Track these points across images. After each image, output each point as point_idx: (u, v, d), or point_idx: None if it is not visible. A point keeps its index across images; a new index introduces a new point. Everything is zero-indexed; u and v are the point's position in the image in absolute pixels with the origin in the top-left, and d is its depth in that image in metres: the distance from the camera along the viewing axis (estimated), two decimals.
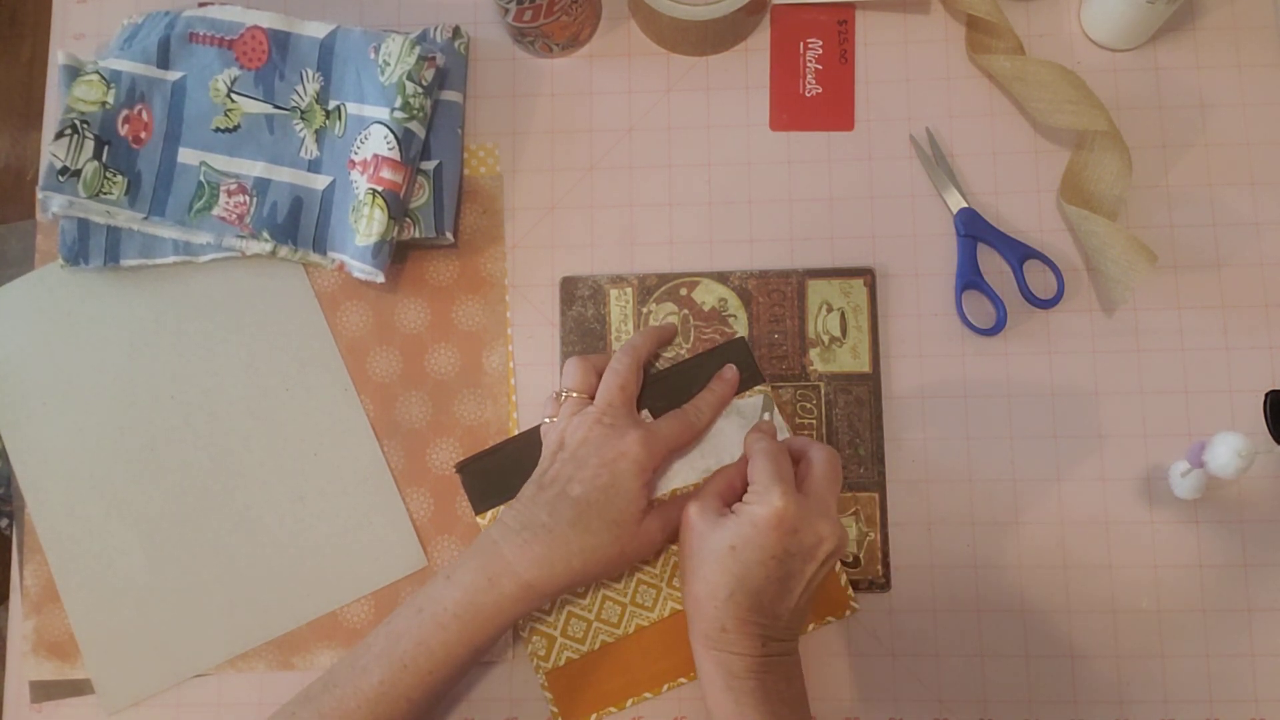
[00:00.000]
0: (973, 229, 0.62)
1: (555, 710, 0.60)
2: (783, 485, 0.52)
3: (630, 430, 0.54)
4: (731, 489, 0.56)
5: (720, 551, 0.52)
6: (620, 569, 0.58)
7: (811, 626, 0.59)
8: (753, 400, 0.61)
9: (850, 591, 0.59)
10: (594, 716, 0.60)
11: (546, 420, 0.59)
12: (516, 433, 0.63)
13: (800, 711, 0.53)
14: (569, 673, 0.60)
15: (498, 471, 0.61)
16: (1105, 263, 0.60)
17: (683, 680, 0.59)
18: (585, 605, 0.60)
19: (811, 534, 0.51)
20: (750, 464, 0.55)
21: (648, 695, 0.59)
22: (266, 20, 0.65)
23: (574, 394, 0.58)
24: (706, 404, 0.59)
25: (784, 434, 0.60)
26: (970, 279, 0.62)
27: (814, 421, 0.61)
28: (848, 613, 0.59)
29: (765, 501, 0.52)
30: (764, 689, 0.51)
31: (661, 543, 0.56)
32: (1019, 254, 0.61)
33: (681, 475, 0.60)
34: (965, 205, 0.62)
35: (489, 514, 0.61)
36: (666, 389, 0.61)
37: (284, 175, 0.64)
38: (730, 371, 0.60)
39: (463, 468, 0.62)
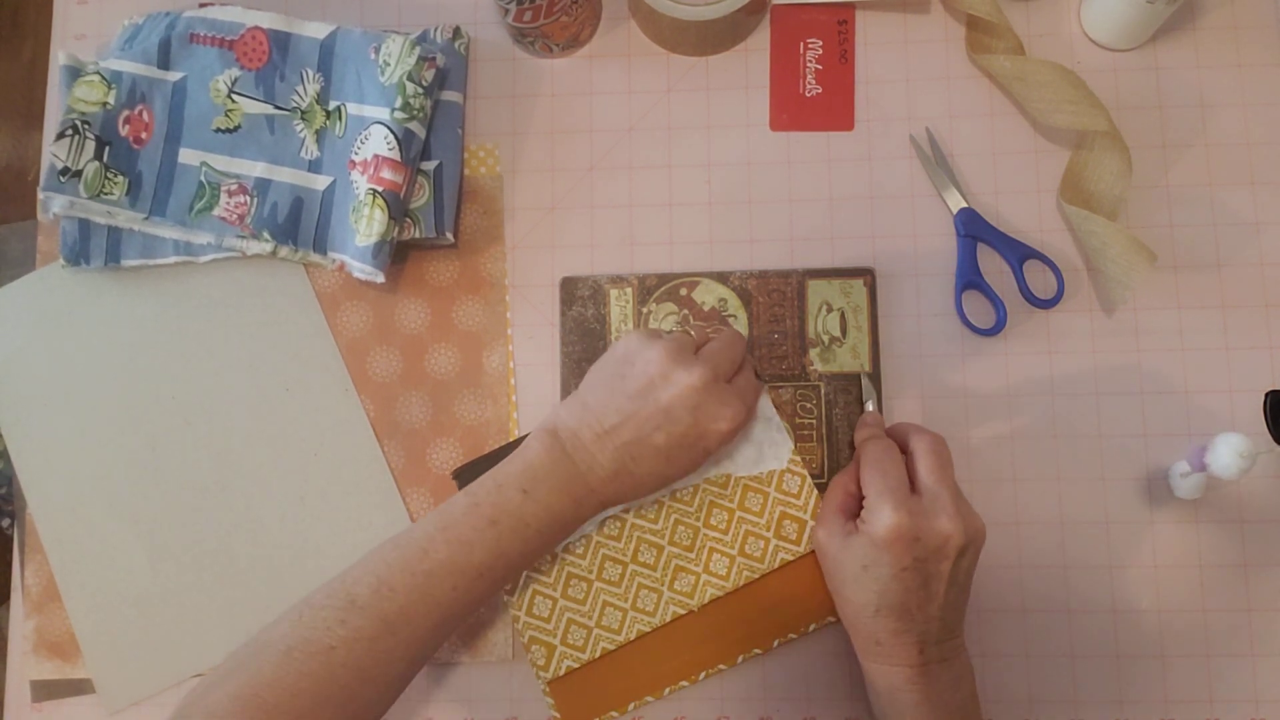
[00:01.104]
0: (973, 229, 0.62)
1: (557, 716, 0.60)
2: (893, 497, 0.52)
3: (732, 407, 0.53)
4: (850, 498, 0.56)
5: (855, 572, 0.53)
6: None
7: (813, 626, 0.59)
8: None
9: None
10: None
11: (645, 331, 0.56)
12: (515, 436, 0.63)
13: (970, 712, 0.53)
14: (570, 680, 0.60)
15: None
16: (1105, 263, 0.60)
17: (684, 683, 0.59)
18: (585, 612, 0.60)
19: (935, 536, 0.51)
20: (861, 474, 0.55)
21: (649, 698, 0.59)
22: (267, 21, 0.65)
23: (689, 330, 0.58)
24: (727, 340, 0.57)
25: (784, 433, 0.60)
26: (970, 279, 0.62)
27: (814, 421, 0.61)
28: None
29: (879, 519, 0.52)
30: (929, 700, 0.52)
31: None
32: (1019, 254, 0.61)
33: (697, 475, 0.60)
34: (965, 205, 0.62)
35: None
36: None
37: (284, 175, 0.64)
38: (730, 331, 0.59)
39: (460, 474, 0.62)
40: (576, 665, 0.60)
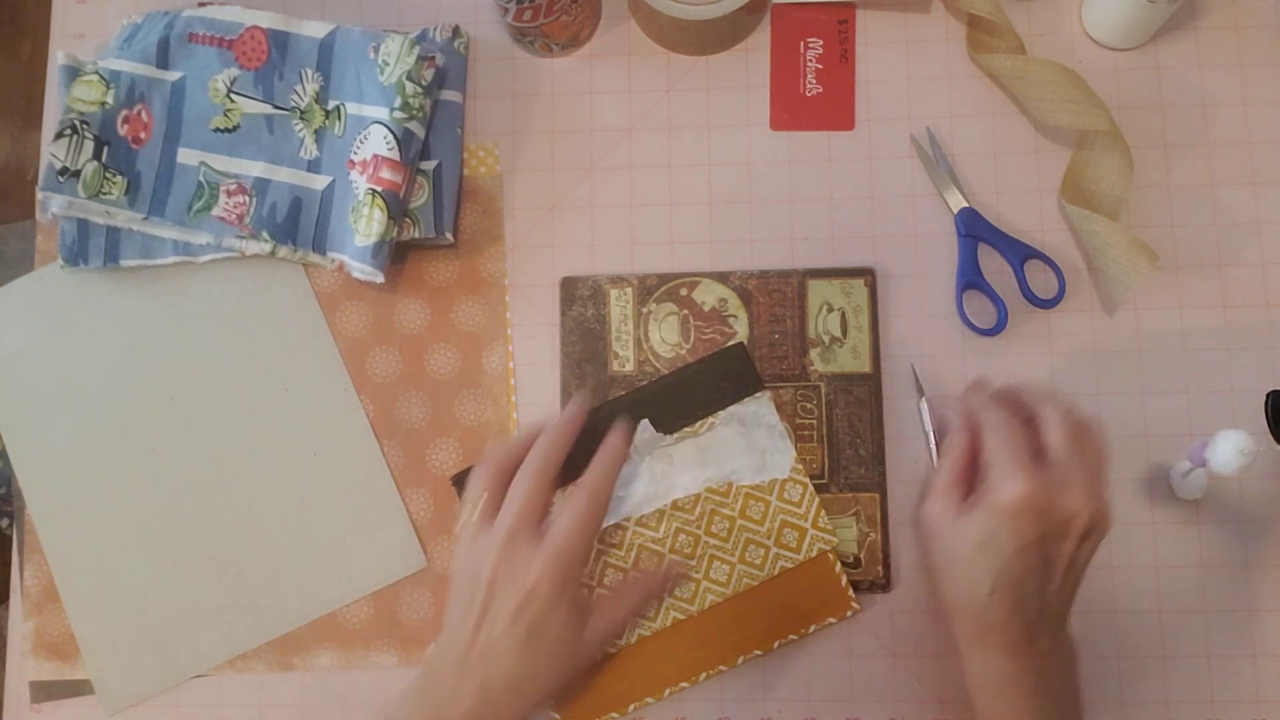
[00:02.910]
0: (973, 229, 0.62)
1: (557, 717, 0.59)
2: (1024, 464, 0.48)
3: (536, 557, 0.51)
4: (963, 472, 0.52)
5: (968, 550, 0.49)
6: (573, 678, 0.55)
7: (813, 627, 0.59)
8: (753, 406, 0.61)
9: (850, 592, 0.59)
10: None
11: (457, 532, 0.54)
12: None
13: (1074, 710, 0.51)
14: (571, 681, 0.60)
15: None
16: (1107, 263, 0.60)
17: (684, 684, 0.59)
18: None
19: (1062, 510, 0.48)
20: (985, 441, 0.51)
21: (649, 700, 0.59)
22: (266, 20, 0.64)
23: (479, 504, 0.54)
24: (597, 475, 0.55)
25: (786, 441, 0.60)
26: (971, 279, 0.61)
27: (814, 422, 0.61)
28: (848, 613, 0.59)
29: (1008, 486, 0.48)
30: (1040, 691, 0.49)
31: (614, 637, 0.56)
32: (1020, 254, 0.61)
33: (683, 485, 0.60)
34: (966, 205, 0.62)
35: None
36: (666, 397, 0.61)
37: (283, 175, 0.64)
38: (615, 438, 0.57)
39: (458, 481, 0.62)
40: None
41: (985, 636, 0.49)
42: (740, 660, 0.59)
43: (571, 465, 0.58)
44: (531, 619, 0.51)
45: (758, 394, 0.61)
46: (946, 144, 0.64)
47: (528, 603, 0.50)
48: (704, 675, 0.59)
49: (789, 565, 0.59)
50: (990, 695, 0.50)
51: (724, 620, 0.59)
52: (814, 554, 0.59)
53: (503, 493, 0.54)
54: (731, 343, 0.62)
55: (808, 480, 0.60)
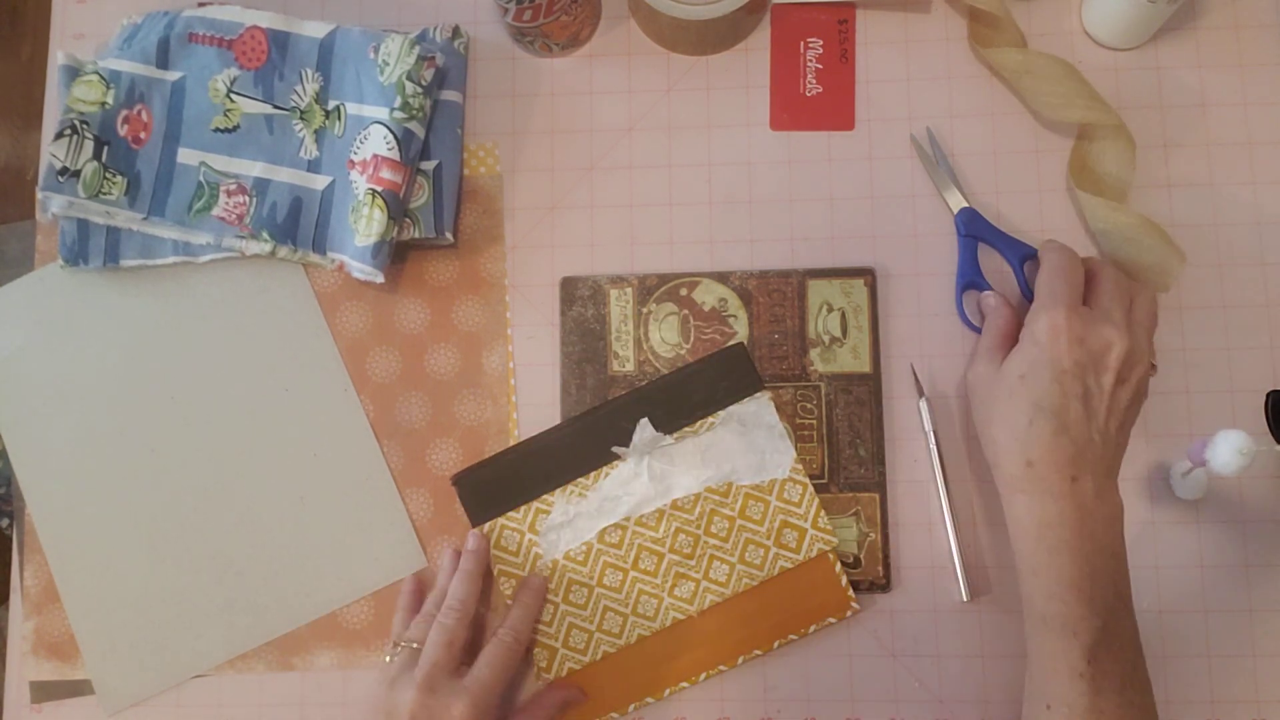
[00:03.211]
0: (974, 229, 0.62)
1: (548, 676, 0.60)
2: (1066, 296, 0.51)
3: (455, 702, 0.52)
4: (1005, 338, 0.55)
5: (1010, 385, 0.51)
6: None
7: (813, 627, 0.59)
8: (753, 406, 0.61)
9: (850, 592, 0.59)
10: None
11: (378, 674, 0.56)
12: (515, 437, 0.63)
13: (1118, 564, 0.50)
14: (571, 681, 0.60)
15: (495, 482, 0.61)
16: (1140, 252, 0.59)
17: (684, 684, 0.59)
18: (586, 617, 0.60)
19: (1098, 339, 0.50)
20: (1039, 276, 0.53)
21: (649, 699, 0.59)
22: (266, 20, 0.64)
23: (410, 645, 0.56)
24: (519, 621, 0.57)
25: (786, 441, 0.60)
26: (971, 279, 0.61)
27: (814, 422, 0.61)
28: (848, 613, 0.59)
29: (1044, 315, 0.50)
30: (1081, 534, 0.49)
31: None
32: (1020, 254, 0.61)
33: (682, 485, 0.60)
34: (966, 205, 0.62)
35: (486, 525, 0.61)
36: (666, 396, 0.61)
37: (283, 175, 0.64)
38: (536, 580, 0.59)
39: (458, 480, 0.62)
40: (578, 667, 0.60)
41: (1025, 472, 0.50)
42: (740, 660, 0.59)
43: (570, 465, 0.59)
44: None
45: (757, 394, 0.61)
46: (946, 144, 0.64)
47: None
48: (704, 675, 0.59)
49: (789, 565, 0.59)
50: (1031, 539, 0.50)
51: (724, 620, 0.59)
52: (814, 554, 0.59)
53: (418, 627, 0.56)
54: (731, 343, 0.62)
55: (807, 480, 0.60)
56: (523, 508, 0.61)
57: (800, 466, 0.60)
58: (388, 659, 0.57)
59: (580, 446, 0.60)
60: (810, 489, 0.60)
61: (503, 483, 0.61)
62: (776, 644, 0.59)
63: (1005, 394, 0.51)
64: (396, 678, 0.54)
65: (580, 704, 0.59)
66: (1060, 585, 0.49)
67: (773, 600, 0.59)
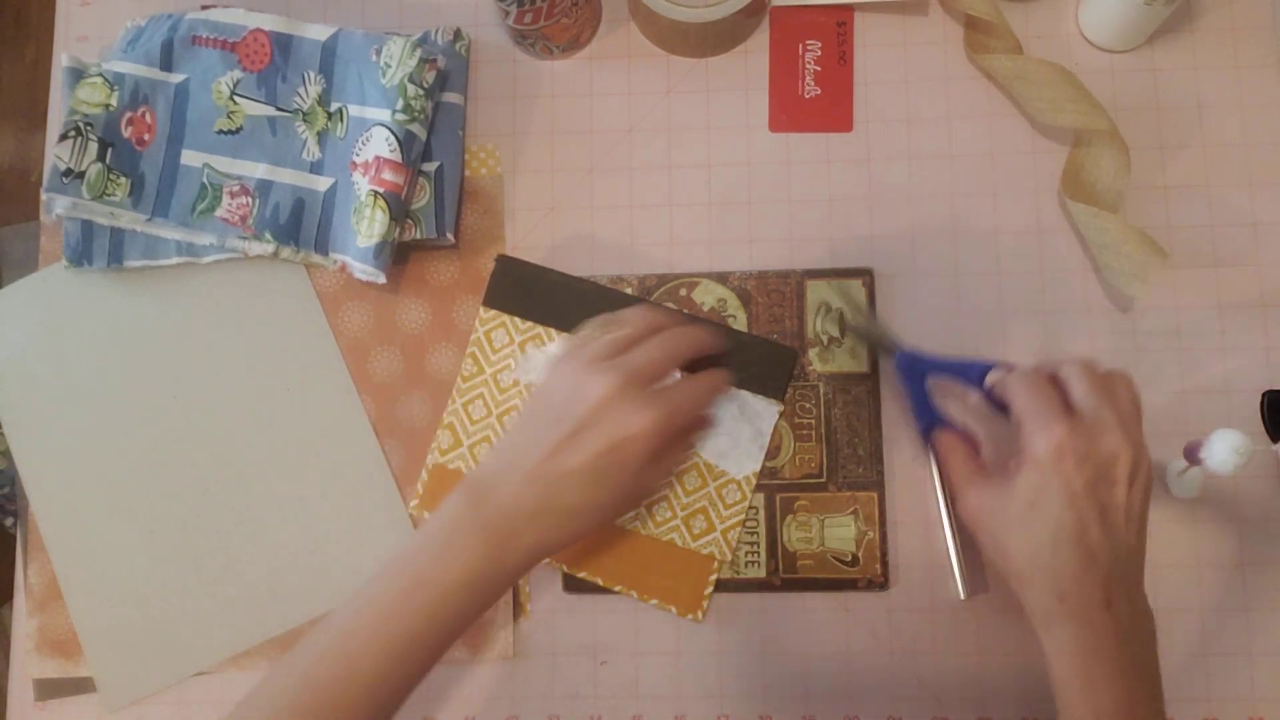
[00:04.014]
0: (916, 368, 0.58)
1: (419, 493, 0.62)
2: (1054, 411, 0.48)
3: (648, 410, 0.49)
4: (973, 460, 0.53)
5: (1021, 514, 0.48)
6: (622, 515, 0.57)
7: (654, 602, 0.60)
8: (761, 406, 0.61)
9: (706, 604, 0.60)
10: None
11: (570, 350, 0.53)
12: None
13: (1156, 684, 0.48)
14: (446, 475, 0.61)
15: (527, 285, 0.63)
16: (1118, 259, 0.60)
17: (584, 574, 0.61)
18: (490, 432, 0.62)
19: (1103, 452, 0.47)
20: (1012, 403, 0.50)
21: (563, 567, 0.61)
22: (269, 23, 0.65)
23: (616, 337, 0.52)
24: (722, 379, 0.55)
25: (763, 451, 0.61)
26: (930, 420, 0.58)
27: (813, 421, 0.62)
28: (690, 616, 0.60)
29: (1042, 437, 0.47)
30: (1121, 659, 0.47)
31: (662, 485, 0.55)
32: (978, 373, 0.56)
33: None
34: (902, 350, 0.59)
35: (492, 311, 0.63)
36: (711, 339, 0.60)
37: (286, 177, 0.64)
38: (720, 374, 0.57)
39: (503, 260, 0.63)
40: (465, 468, 0.61)
41: (1059, 607, 0.47)
42: (581, 574, 0.61)
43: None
44: (611, 464, 0.49)
45: (773, 401, 0.61)
46: (945, 145, 0.64)
47: (617, 449, 0.49)
48: (550, 563, 0.61)
49: (678, 542, 0.60)
50: (1069, 670, 0.47)
51: (604, 540, 0.61)
52: (704, 553, 0.60)
53: (639, 340, 0.53)
54: (791, 345, 0.62)
55: (750, 495, 0.61)
56: (530, 323, 0.62)
57: (754, 480, 0.61)
58: (577, 339, 0.53)
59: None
60: (747, 505, 0.61)
61: (532, 293, 0.63)
62: (617, 588, 0.61)
63: (1018, 525, 0.48)
64: (595, 362, 0.51)
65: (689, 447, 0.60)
66: (1103, 714, 0.47)
67: (641, 553, 0.60)
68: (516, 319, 0.63)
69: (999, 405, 0.54)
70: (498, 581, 0.49)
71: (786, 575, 0.60)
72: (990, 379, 0.55)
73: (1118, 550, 0.47)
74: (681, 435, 0.54)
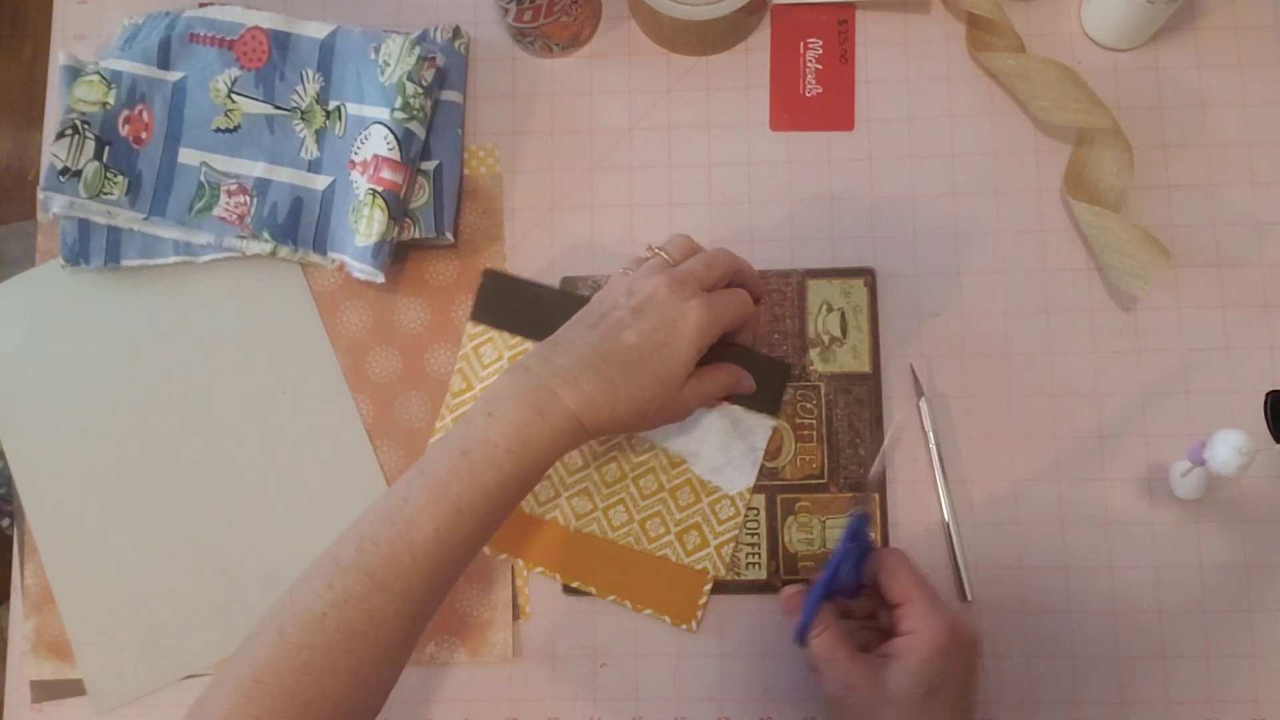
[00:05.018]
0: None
1: (520, 562, 0.62)
2: (939, 601, 0.51)
3: (698, 300, 0.53)
4: (844, 630, 0.53)
5: (917, 703, 0.48)
6: (652, 424, 0.56)
7: (648, 612, 0.60)
8: (753, 421, 0.61)
9: (700, 614, 0.60)
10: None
11: (620, 270, 0.57)
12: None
13: None
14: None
15: (512, 300, 0.63)
16: (1120, 258, 0.59)
17: (540, 569, 0.61)
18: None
19: (972, 636, 0.50)
20: (890, 585, 0.52)
21: (520, 561, 0.61)
22: (267, 20, 0.65)
23: (663, 253, 0.56)
24: (748, 298, 0.57)
25: (755, 469, 0.61)
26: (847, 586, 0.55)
27: (814, 421, 0.61)
28: (684, 625, 0.60)
29: (939, 624, 0.49)
30: None
31: (693, 409, 0.56)
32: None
33: (666, 439, 0.61)
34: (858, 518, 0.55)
35: (480, 326, 0.63)
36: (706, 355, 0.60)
37: (284, 175, 0.64)
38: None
39: (490, 274, 0.63)
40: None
41: None
42: (575, 584, 0.61)
43: None
44: (659, 344, 0.52)
45: (766, 417, 0.61)
46: (947, 144, 0.64)
47: (668, 327, 0.52)
48: (541, 570, 0.61)
49: (671, 558, 0.60)
50: None
51: (588, 547, 0.61)
52: (697, 568, 0.60)
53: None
54: (784, 359, 0.62)
55: (743, 510, 0.60)
56: (519, 338, 0.62)
57: (748, 496, 0.60)
58: (620, 271, 0.56)
59: None
60: (741, 521, 0.60)
61: (516, 307, 0.63)
62: (610, 598, 0.60)
63: (915, 712, 0.48)
64: (643, 272, 0.54)
65: (740, 388, 0.59)
66: None
67: (635, 568, 0.60)
68: (505, 334, 0.63)
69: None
70: (539, 444, 0.50)
71: (788, 577, 0.60)
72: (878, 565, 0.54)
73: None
74: (725, 340, 0.57)
